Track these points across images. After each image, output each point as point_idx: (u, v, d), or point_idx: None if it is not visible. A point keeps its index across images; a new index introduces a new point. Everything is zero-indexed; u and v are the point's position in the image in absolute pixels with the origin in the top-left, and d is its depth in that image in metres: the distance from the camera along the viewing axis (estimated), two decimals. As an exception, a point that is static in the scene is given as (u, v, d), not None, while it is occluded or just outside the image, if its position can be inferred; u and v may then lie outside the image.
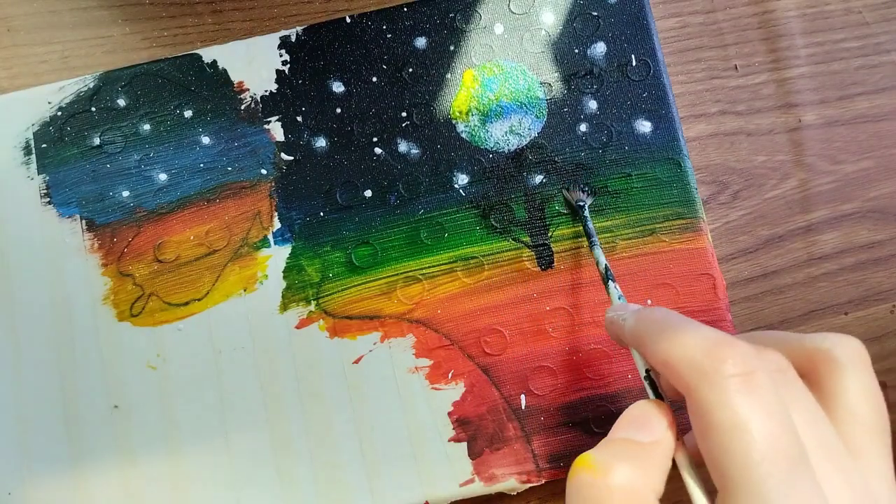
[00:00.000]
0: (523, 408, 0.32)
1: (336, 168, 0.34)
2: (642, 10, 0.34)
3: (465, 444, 0.31)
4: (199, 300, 0.33)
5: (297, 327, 0.33)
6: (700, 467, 0.21)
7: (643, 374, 0.24)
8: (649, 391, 0.24)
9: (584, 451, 0.21)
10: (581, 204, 0.32)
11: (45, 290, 0.33)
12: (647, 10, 0.34)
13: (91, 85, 0.34)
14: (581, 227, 0.32)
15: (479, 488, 0.31)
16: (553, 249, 0.33)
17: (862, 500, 0.20)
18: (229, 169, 0.34)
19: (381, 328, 0.33)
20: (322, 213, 0.33)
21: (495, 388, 0.32)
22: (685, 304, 0.32)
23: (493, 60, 0.34)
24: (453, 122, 0.34)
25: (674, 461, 0.22)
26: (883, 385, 0.32)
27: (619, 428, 0.22)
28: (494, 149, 0.34)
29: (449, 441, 0.32)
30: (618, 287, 0.28)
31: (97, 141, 0.34)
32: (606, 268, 0.29)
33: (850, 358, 0.22)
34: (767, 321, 0.33)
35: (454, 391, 0.32)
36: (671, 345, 0.21)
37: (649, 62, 0.34)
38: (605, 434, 0.22)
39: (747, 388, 0.19)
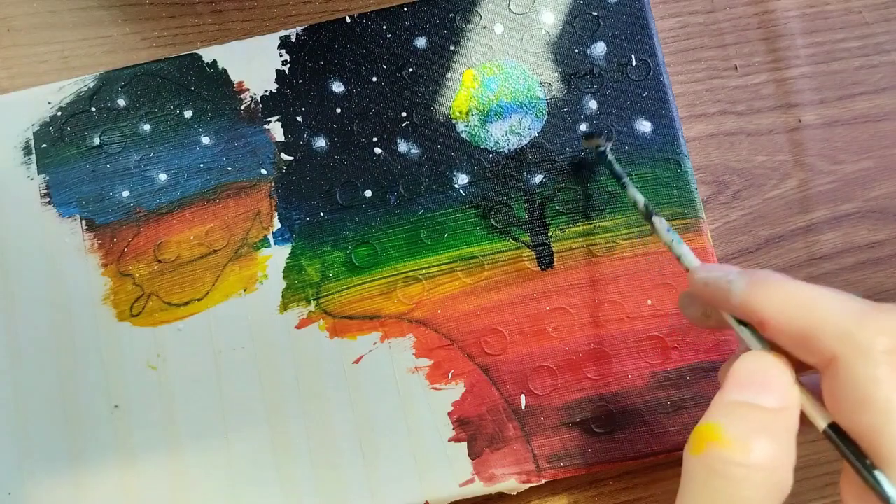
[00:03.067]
0: (523, 408, 0.32)
1: (336, 168, 0.34)
2: (642, 10, 0.34)
3: (465, 444, 0.31)
4: (199, 300, 0.33)
5: (297, 327, 0.33)
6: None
7: (750, 336, 0.21)
8: (754, 341, 0.21)
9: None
10: (602, 148, 0.32)
11: (45, 289, 0.33)
12: (647, 10, 0.34)
13: (91, 85, 0.34)
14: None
15: (479, 488, 0.31)
16: (553, 249, 0.33)
17: None
18: (229, 169, 0.34)
19: (381, 328, 0.33)
20: (322, 213, 0.33)
21: (495, 388, 0.32)
22: (685, 304, 0.32)
23: (493, 60, 0.34)
24: (453, 121, 0.34)
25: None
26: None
27: (736, 388, 0.20)
28: (494, 149, 0.34)
29: (449, 441, 0.32)
30: (664, 220, 0.27)
31: (97, 141, 0.34)
32: (647, 205, 0.28)
33: None
34: (767, 321, 0.33)
35: (454, 391, 0.32)
36: (811, 311, 0.19)
37: (649, 62, 0.34)
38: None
39: None
